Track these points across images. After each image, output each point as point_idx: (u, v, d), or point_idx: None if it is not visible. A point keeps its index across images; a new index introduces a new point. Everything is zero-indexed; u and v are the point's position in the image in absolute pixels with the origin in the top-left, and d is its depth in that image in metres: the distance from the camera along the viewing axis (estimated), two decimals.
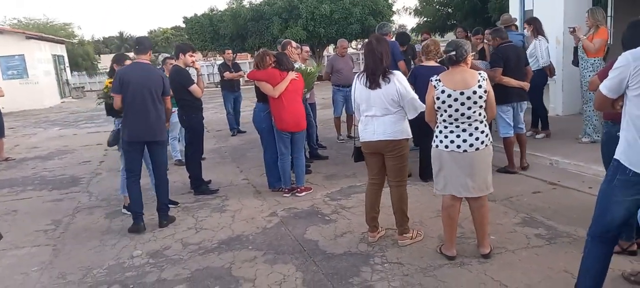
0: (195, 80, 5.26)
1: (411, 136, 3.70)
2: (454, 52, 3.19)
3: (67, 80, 25.04)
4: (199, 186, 5.59)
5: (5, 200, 5.96)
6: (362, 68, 3.78)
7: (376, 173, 3.77)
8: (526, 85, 5.29)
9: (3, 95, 8.11)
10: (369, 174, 3.84)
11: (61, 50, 24.65)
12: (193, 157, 5.60)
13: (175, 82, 5.17)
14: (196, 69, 5.39)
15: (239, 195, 5.39)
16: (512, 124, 5.34)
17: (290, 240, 4.02)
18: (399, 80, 3.51)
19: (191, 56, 5.30)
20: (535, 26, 6.49)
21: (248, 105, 12.09)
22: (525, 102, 5.47)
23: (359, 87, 3.64)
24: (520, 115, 5.42)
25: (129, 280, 3.50)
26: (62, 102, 22.10)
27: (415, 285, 3.13)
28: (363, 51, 3.71)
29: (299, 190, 5.17)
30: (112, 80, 4.55)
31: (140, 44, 4.47)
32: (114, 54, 6.24)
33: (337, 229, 4.18)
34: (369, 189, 3.83)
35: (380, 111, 3.54)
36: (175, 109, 6.07)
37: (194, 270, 3.58)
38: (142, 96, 4.28)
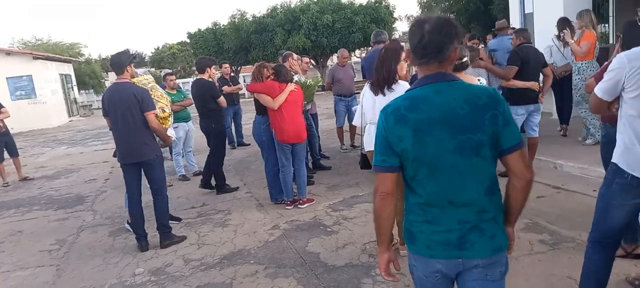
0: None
1: None
2: (466, 58, 3.24)
3: (74, 98, 25.31)
4: (222, 186, 6.14)
5: (12, 221, 6.01)
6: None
7: None
8: (533, 84, 5.15)
9: (9, 116, 8.20)
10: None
11: (68, 69, 24.96)
12: (217, 160, 6.13)
13: (202, 93, 5.97)
14: (215, 81, 6.13)
15: (242, 209, 5.38)
16: (519, 126, 5.29)
17: (292, 253, 4.00)
18: (404, 87, 3.43)
19: (214, 69, 6.15)
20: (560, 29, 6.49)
21: (250, 118, 12.17)
22: (540, 104, 5.37)
23: (367, 94, 3.63)
24: (535, 118, 5.32)
25: None
26: (70, 121, 22.33)
27: None
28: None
29: (301, 201, 5.16)
30: None
31: (114, 65, 4.33)
32: None
33: (338, 241, 4.15)
34: None
35: None
36: (177, 124, 6.17)
37: (196, 286, 3.58)
38: (122, 117, 4.22)
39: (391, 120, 1.68)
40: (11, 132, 8.59)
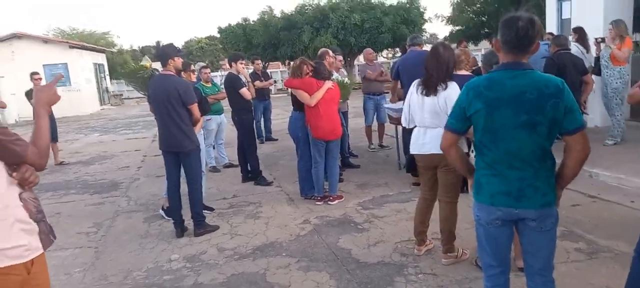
0: (246, 85, 6.16)
1: (466, 150, 3.47)
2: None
3: (106, 88, 25.94)
4: (258, 176, 6.31)
5: (50, 203, 6.22)
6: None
7: (429, 188, 3.66)
8: None
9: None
10: (421, 188, 3.77)
11: (101, 59, 25.60)
12: (250, 151, 6.33)
13: (229, 86, 6.24)
14: (245, 75, 6.25)
15: (272, 202, 5.46)
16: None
17: (324, 248, 4.05)
18: (455, 91, 3.27)
19: (241, 64, 6.27)
20: (580, 35, 6.54)
21: (279, 114, 12.28)
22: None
23: (414, 96, 3.55)
24: None
25: (167, 283, 3.61)
26: (101, 109, 22.91)
27: None
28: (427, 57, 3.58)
29: (331, 198, 5.21)
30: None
31: (159, 57, 4.54)
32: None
33: (370, 238, 4.18)
34: (421, 204, 3.74)
35: (433, 122, 3.41)
36: (209, 117, 6.31)
37: (230, 275, 3.66)
38: (162, 108, 4.37)
39: (471, 94, 2.12)
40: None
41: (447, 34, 17.78)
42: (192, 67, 6.09)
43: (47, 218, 5.12)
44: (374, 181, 6.07)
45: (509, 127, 2.03)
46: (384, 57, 28.88)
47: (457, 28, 16.58)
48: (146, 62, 7.28)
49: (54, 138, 8.64)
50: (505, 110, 2.02)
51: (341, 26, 21.53)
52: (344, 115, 6.97)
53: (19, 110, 17.28)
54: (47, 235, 1.92)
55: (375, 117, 7.91)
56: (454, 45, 14.89)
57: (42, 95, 1.93)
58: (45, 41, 20.94)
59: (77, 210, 5.81)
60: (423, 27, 23.39)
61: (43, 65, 19.52)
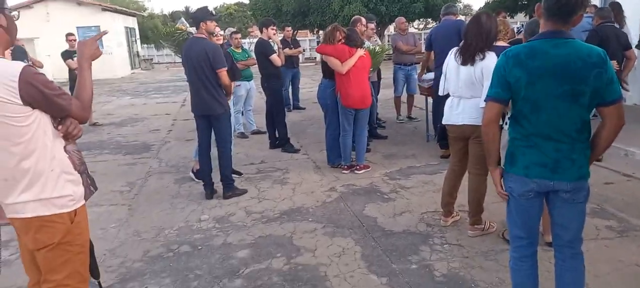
0: (276, 52, 6.21)
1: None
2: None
3: (137, 52, 26.33)
4: (285, 143, 6.39)
5: (85, 161, 6.44)
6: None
7: (459, 159, 3.63)
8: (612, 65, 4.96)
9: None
10: (451, 159, 3.74)
11: (133, 23, 25.92)
12: (278, 117, 6.40)
13: (259, 52, 6.26)
14: (276, 41, 6.30)
15: (299, 169, 5.53)
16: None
17: (349, 215, 4.10)
18: (493, 62, 3.13)
19: (272, 30, 6.30)
20: (616, 11, 6.16)
21: (307, 83, 12.25)
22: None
23: (451, 64, 3.50)
24: None
25: (197, 241, 3.73)
26: (132, 73, 23.33)
27: (476, 267, 3.12)
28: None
29: (358, 167, 5.23)
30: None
31: (193, 19, 4.56)
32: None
33: (396, 208, 4.21)
34: (449, 175, 3.72)
35: (468, 92, 3.36)
36: (239, 83, 6.37)
37: (257, 236, 3.75)
38: (194, 71, 4.41)
39: (510, 63, 2.07)
40: None
41: (483, 5, 17.18)
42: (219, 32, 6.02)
43: None
44: (401, 152, 6.05)
45: (550, 97, 2.00)
46: (415, 28, 28.27)
47: None
48: (181, 24, 7.32)
49: None
50: (547, 80, 1.99)
51: None
52: (373, 85, 6.92)
53: (54, 71, 17.76)
54: (88, 187, 2.00)
55: (405, 87, 7.83)
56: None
57: (85, 49, 1.98)
58: (79, 3, 21.27)
59: (111, 169, 6.00)
60: None
61: (76, 27, 19.86)
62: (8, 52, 4.42)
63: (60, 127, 1.85)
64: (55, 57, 8.21)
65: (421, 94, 6.63)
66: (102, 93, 15.13)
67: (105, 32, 2.30)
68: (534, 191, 2.14)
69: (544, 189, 2.13)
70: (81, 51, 1.98)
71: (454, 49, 3.52)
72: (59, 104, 1.80)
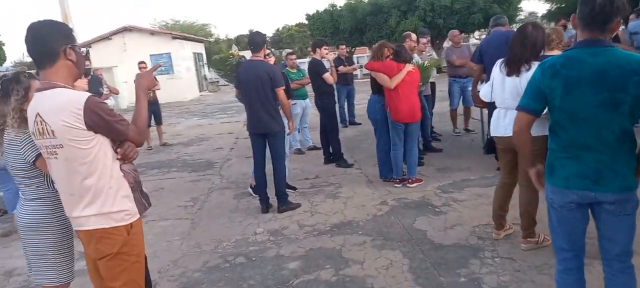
0: (329, 70, 6.43)
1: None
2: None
3: (205, 75, 27.76)
4: (339, 158, 6.54)
5: (155, 179, 6.95)
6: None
7: (508, 171, 3.59)
8: None
9: (159, 88, 9.30)
10: (501, 172, 3.71)
11: (200, 48, 27.42)
12: (332, 133, 6.59)
13: (312, 71, 6.54)
14: (328, 60, 6.58)
15: (352, 184, 5.62)
16: None
17: (399, 228, 4.13)
18: None
19: (325, 49, 6.53)
20: None
21: (363, 99, 12.32)
22: None
23: (497, 75, 3.50)
24: None
25: (252, 253, 3.93)
26: (200, 95, 24.60)
27: (527, 281, 3.05)
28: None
29: (410, 181, 5.24)
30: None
31: (253, 43, 4.75)
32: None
33: (447, 221, 4.18)
34: (500, 188, 3.68)
35: (514, 103, 3.33)
36: (295, 102, 6.62)
37: (308, 249, 3.89)
38: (255, 91, 4.64)
39: (547, 73, 2.06)
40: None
41: (545, 12, 16.47)
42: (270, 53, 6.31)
43: (152, 192, 5.72)
44: (456, 165, 5.97)
45: (588, 107, 1.97)
46: (475, 39, 27.57)
47: (556, 5, 15.27)
48: (234, 50, 7.73)
49: (159, 121, 9.53)
50: (585, 89, 1.96)
51: (429, 8, 20.93)
52: (427, 98, 6.91)
53: (130, 97, 19.18)
54: (141, 203, 2.21)
55: (461, 100, 7.73)
56: (552, 24, 13.85)
57: (142, 80, 2.23)
58: (152, 33, 22.90)
59: (177, 186, 6.42)
60: (519, 5, 21.93)
61: (150, 55, 21.36)
62: (81, 82, 4.91)
63: (119, 149, 2.08)
64: (131, 83, 8.95)
65: (475, 106, 6.51)
66: (172, 115, 16.11)
67: (159, 65, 2.54)
68: (575, 202, 2.10)
69: (586, 201, 2.08)
70: (139, 82, 2.23)
71: (500, 60, 3.50)
72: (118, 129, 2.04)
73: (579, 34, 2.06)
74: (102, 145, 2.02)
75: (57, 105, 1.95)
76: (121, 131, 2.06)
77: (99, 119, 1.96)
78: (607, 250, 2.16)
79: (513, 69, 3.30)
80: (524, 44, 3.26)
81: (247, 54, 5.13)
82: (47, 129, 1.97)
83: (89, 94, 2.00)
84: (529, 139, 2.25)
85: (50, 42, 1.98)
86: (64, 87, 2.01)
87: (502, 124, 3.44)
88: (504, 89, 3.38)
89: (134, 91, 2.23)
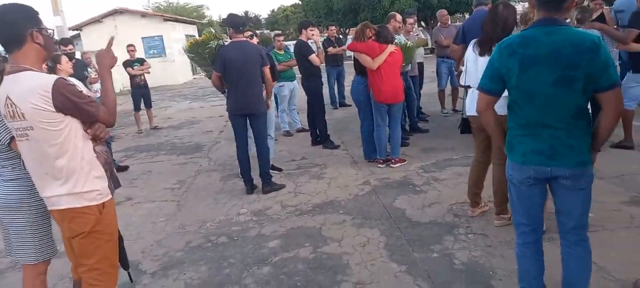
0: (316, 52, 6.35)
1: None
2: (568, 21, 3.07)
3: None
4: (325, 140, 6.60)
5: (143, 162, 7.00)
6: None
7: (482, 150, 3.67)
8: None
9: (149, 69, 9.26)
10: (475, 151, 3.78)
11: (193, 30, 27.20)
12: (319, 115, 6.63)
13: (298, 53, 6.51)
14: (315, 41, 6.48)
15: (337, 164, 5.69)
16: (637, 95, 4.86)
17: (379, 207, 4.21)
18: None
19: (311, 31, 6.45)
20: None
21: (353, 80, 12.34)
22: None
23: (470, 55, 3.55)
24: None
25: (234, 233, 4.01)
26: (193, 78, 24.50)
27: (497, 255, 3.15)
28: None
29: (393, 161, 5.31)
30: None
31: (234, 24, 4.74)
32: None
33: (426, 199, 4.27)
34: (474, 166, 3.76)
35: None
36: (283, 83, 6.65)
37: (289, 228, 3.97)
38: (242, 72, 4.65)
39: (504, 54, 2.11)
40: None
41: None
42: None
43: (141, 175, 5.79)
44: (441, 145, 6.04)
45: (544, 85, 2.02)
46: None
47: None
48: (208, 32, 7.57)
49: (148, 105, 9.53)
50: (540, 68, 2.00)
51: None
52: (413, 79, 6.94)
53: (124, 80, 19.09)
54: (111, 183, 2.26)
55: (449, 80, 7.77)
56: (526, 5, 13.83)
57: (102, 60, 2.26)
58: (143, 15, 22.69)
59: (165, 169, 6.48)
60: None
61: (141, 38, 21.22)
62: (66, 65, 4.90)
63: (89, 130, 2.13)
64: (123, 67, 8.97)
65: (460, 86, 6.56)
66: (165, 98, 16.09)
67: (113, 38, 2.45)
68: (532, 178, 2.16)
69: (543, 176, 2.14)
70: (100, 62, 2.26)
71: (473, 41, 3.54)
72: (88, 110, 2.08)
73: (535, 13, 2.11)
74: (72, 126, 2.06)
75: (27, 88, 1.99)
76: (91, 112, 2.10)
77: (67, 101, 2.00)
78: (563, 223, 2.24)
79: (485, 49, 3.34)
80: (495, 23, 3.30)
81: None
82: (17, 111, 2.01)
83: (56, 76, 2.04)
84: (493, 118, 2.30)
85: (16, 26, 2.01)
86: (33, 70, 2.05)
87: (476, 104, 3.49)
88: (477, 69, 3.42)
89: (98, 72, 2.25)
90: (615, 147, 4.93)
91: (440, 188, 4.50)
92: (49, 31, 2.12)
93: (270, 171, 5.08)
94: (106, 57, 2.27)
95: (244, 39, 4.79)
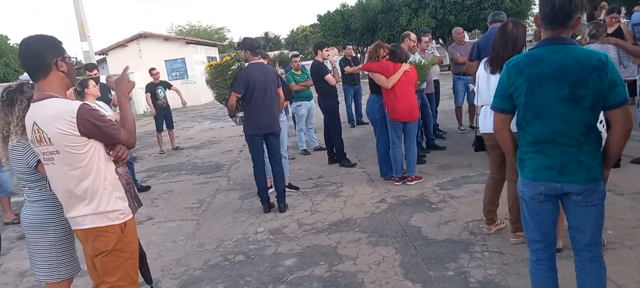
0: (331, 71, 6.52)
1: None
2: (579, 37, 3.09)
3: None
4: (342, 158, 6.65)
5: (165, 182, 7.16)
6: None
7: (497, 167, 3.68)
8: None
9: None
10: (490, 168, 3.79)
11: (214, 52, 27.78)
12: (335, 134, 6.68)
13: (314, 73, 6.68)
14: (331, 61, 6.64)
15: (354, 182, 5.73)
16: None
17: (395, 225, 4.23)
18: None
19: (327, 51, 6.57)
20: None
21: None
22: None
23: (482, 74, 3.58)
24: None
25: (251, 251, 4.07)
26: (214, 99, 24.89)
27: (513, 273, 3.12)
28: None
29: (409, 178, 5.32)
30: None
31: (251, 47, 4.86)
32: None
33: (441, 217, 4.26)
34: (489, 183, 3.76)
35: None
36: (300, 103, 6.76)
37: (305, 246, 4.01)
38: (264, 93, 4.78)
39: (512, 72, 2.15)
40: (170, 107, 10.04)
41: None
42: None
43: (162, 194, 5.91)
44: (457, 162, 6.03)
45: (551, 102, 2.04)
46: None
47: None
48: (229, 55, 7.77)
49: (170, 125, 9.76)
50: (547, 86, 2.03)
51: (440, 5, 20.87)
52: (429, 96, 6.98)
53: (145, 104, 19.58)
54: (133, 203, 2.36)
55: (465, 97, 7.76)
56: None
57: (119, 86, 2.38)
58: (166, 39, 23.31)
59: (186, 188, 6.61)
60: (531, 0, 21.69)
61: (164, 60, 21.78)
62: (93, 89, 5.12)
63: (111, 152, 2.24)
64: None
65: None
66: (186, 119, 16.42)
67: (127, 67, 2.56)
68: (543, 194, 2.17)
69: (554, 192, 2.15)
70: (117, 89, 2.38)
71: (484, 59, 3.57)
72: (110, 133, 2.19)
73: (542, 33, 2.14)
74: (95, 149, 2.18)
75: (52, 114, 2.11)
76: (112, 135, 2.21)
77: (90, 125, 2.12)
78: (576, 240, 2.23)
79: (496, 67, 3.37)
80: (505, 42, 3.34)
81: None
82: (44, 136, 2.13)
83: (80, 102, 2.16)
84: (509, 136, 2.33)
85: (42, 56, 2.15)
86: (57, 97, 2.17)
87: (489, 121, 3.50)
88: (489, 87, 3.45)
89: (116, 98, 2.37)
90: (636, 162, 4.84)
91: (457, 206, 4.49)
92: (72, 59, 2.25)
93: (287, 190, 5.15)
94: (122, 84, 2.39)
95: (260, 60, 4.91)
